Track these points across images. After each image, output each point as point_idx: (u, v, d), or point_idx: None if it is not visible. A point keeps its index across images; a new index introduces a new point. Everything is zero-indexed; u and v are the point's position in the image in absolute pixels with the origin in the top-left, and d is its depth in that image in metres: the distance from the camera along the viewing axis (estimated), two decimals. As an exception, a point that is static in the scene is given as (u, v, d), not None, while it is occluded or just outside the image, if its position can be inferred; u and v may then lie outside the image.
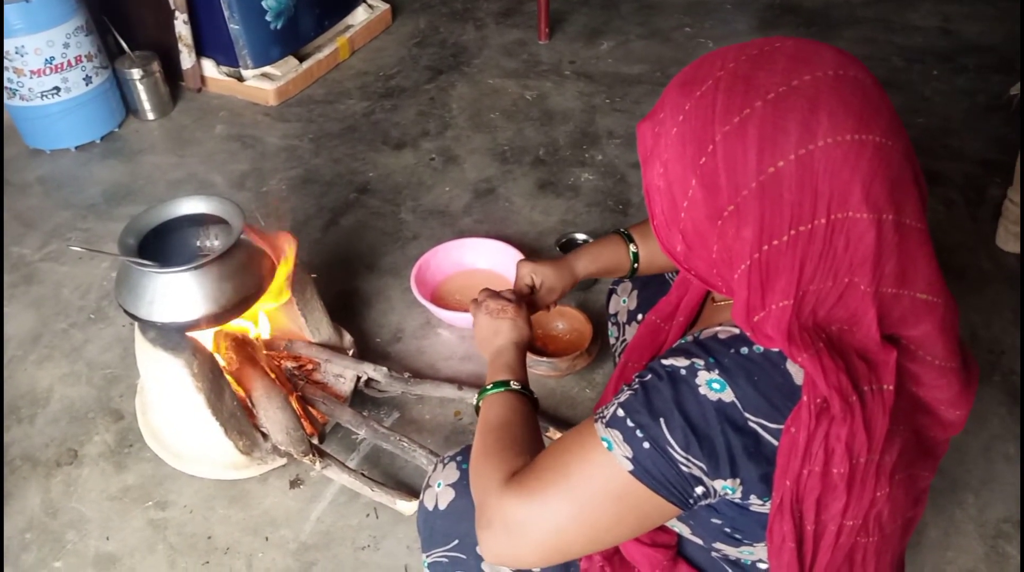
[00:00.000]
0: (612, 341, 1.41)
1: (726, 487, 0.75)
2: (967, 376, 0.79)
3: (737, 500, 0.77)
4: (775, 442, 0.72)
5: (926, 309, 0.72)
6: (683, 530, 0.88)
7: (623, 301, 1.37)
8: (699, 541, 0.88)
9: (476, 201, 2.31)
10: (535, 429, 0.96)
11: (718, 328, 0.78)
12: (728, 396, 0.73)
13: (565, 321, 1.85)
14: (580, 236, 2.02)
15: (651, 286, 1.34)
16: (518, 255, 1.95)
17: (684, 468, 0.74)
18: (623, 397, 0.78)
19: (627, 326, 1.35)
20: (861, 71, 0.70)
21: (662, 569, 0.94)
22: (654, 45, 2.99)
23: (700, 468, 0.73)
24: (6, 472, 1.65)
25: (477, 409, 1.01)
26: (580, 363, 1.76)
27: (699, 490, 0.75)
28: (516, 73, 2.87)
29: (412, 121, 2.65)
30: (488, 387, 1.00)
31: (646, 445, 0.74)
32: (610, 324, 1.41)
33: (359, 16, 3.04)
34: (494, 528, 0.80)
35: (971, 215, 2.18)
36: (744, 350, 0.74)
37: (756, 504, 0.76)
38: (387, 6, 3.12)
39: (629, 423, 0.75)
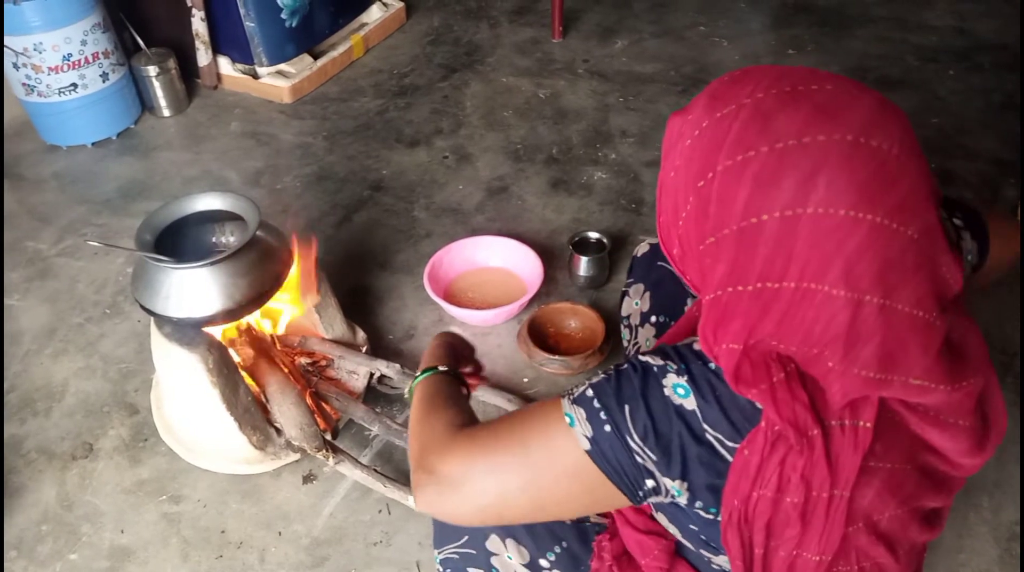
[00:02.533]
0: (625, 344, 1.41)
1: (674, 487, 0.75)
2: (984, 432, 0.77)
3: (683, 504, 0.77)
4: (730, 458, 0.72)
5: (920, 392, 0.70)
6: (676, 533, 0.89)
7: (635, 303, 1.37)
8: (690, 546, 0.88)
9: (489, 199, 2.31)
10: (466, 401, 0.97)
11: (697, 338, 0.78)
12: (690, 404, 0.73)
13: (578, 320, 1.86)
14: (593, 235, 2.02)
15: (663, 287, 1.33)
16: (531, 253, 1.96)
17: (639, 458, 0.74)
18: (596, 380, 0.79)
19: (639, 329, 1.35)
20: (888, 138, 0.65)
21: (661, 562, 0.95)
22: (668, 44, 2.99)
23: (652, 461, 0.74)
24: (21, 464, 1.67)
25: (409, 401, 1.01)
26: (592, 361, 1.76)
27: (649, 483, 0.76)
28: (530, 71, 2.87)
29: (425, 119, 2.66)
30: (417, 375, 1.01)
31: (607, 428, 0.75)
32: (622, 326, 1.41)
33: (373, 14, 3.05)
34: (436, 474, 0.80)
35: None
36: (712, 365, 0.74)
37: (704, 514, 0.77)
38: (401, 4, 3.13)
39: (596, 404, 0.76)
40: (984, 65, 2.77)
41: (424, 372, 1.01)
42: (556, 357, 1.74)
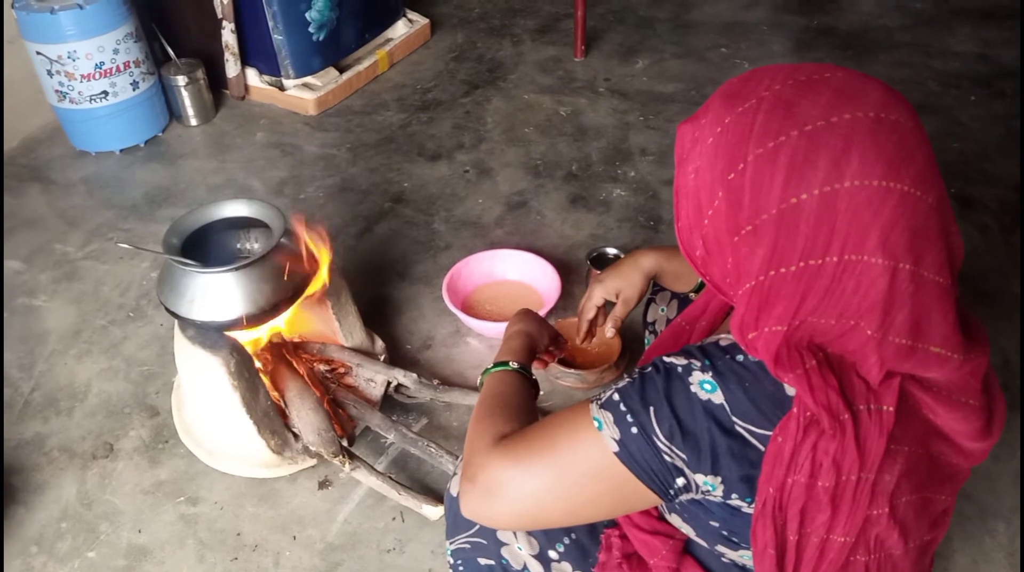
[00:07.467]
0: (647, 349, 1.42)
1: (707, 482, 0.77)
2: (990, 414, 0.79)
3: (718, 498, 0.78)
4: (762, 447, 0.74)
5: (939, 361, 0.73)
6: (689, 532, 0.90)
7: (662, 310, 1.38)
8: (704, 544, 0.89)
9: (508, 213, 2.33)
10: (529, 401, 1.00)
11: (722, 335, 0.81)
12: (718, 398, 0.75)
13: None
14: (611, 250, 2.03)
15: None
16: (548, 267, 1.97)
17: (667, 457, 0.77)
18: (621, 384, 0.82)
19: None
20: (903, 114, 0.71)
21: (669, 561, 0.95)
22: (689, 64, 3.01)
23: (682, 459, 0.76)
24: (44, 462, 1.69)
25: (481, 387, 1.05)
26: (608, 376, 1.77)
27: (680, 481, 0.78)
28: (551, 89, 2.90)
29: (447, 134, 2.69)
30: (489, 367, 1.05)
31: (634, 430, 0.77)
32: (647, 333, 1.42)
33: (399, 30, 3.09)
34: (476, 484, 0.83)
35: (1005, 241, 2.17)
36: (740, 357, 0.77)
37: (741, 505, 0.78)
38: (426, 21, 3.17)
39: (622, 407, 0.79)
40: (1006, 92, 2.77)
41: (496, 365, 1.04)
42: (572, 371, 1.75)
